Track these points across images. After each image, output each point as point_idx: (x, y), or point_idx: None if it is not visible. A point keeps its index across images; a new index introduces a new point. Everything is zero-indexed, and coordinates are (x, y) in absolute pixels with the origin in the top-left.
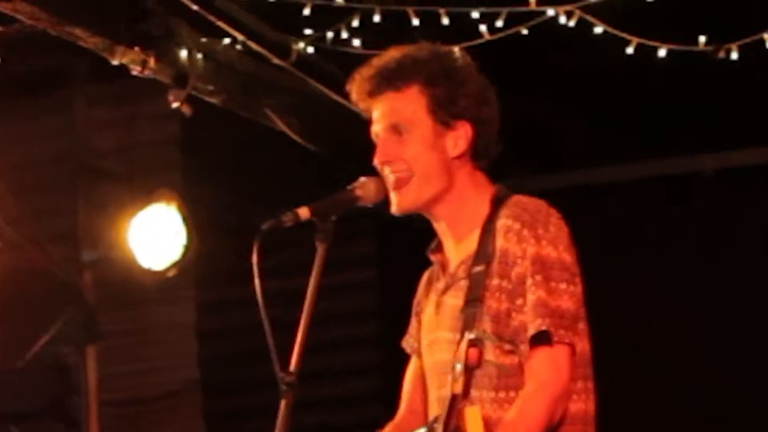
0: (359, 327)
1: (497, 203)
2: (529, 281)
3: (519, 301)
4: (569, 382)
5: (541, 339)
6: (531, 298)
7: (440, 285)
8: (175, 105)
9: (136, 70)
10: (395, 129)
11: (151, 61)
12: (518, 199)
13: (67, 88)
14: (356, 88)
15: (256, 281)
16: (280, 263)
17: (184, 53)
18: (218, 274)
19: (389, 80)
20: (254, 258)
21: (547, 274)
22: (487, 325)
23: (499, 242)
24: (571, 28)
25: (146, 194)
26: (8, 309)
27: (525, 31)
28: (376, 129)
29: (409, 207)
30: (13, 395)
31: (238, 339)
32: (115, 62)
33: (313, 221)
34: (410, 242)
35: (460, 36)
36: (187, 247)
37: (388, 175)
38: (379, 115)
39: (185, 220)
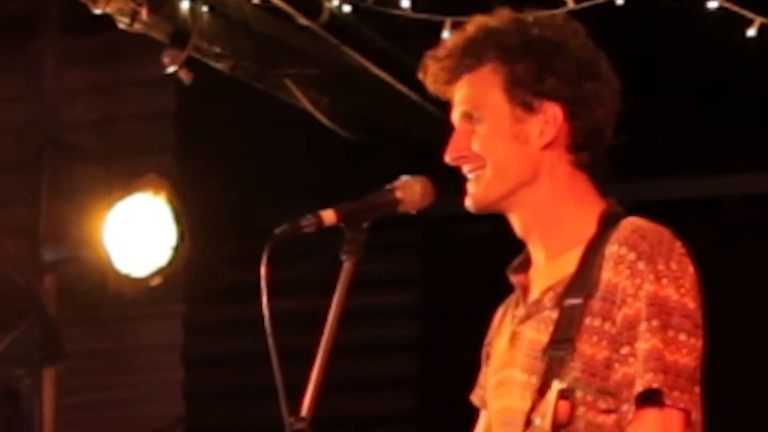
0: (394, 363)
1: (607, 223)
2: (643, 326)
3: (625, 350)
4: None
5: (651, 399)
6: (643, 347)
7: (520, 312)
8: (171, 69)
9: (123, 23)
10: (468, 117)
11: (144, 13)
12: (635, 222)
13: (33, 42)
14: (431, 76)
15: (264, 299)
16: (294, 278)
17: (185, 4)
18: (214, 287)
19: (462, 60)
20: (262, 270)
21: (666, 321)
22: (576, 374)
23: (607, 274)
24: (678, 1)
25: (128, 180)
26: None
27: (620, 1)
28: (453, 118)
29: (481, 204)
30: None
31: (235, 369)
32: (96, 11)
33: (341, 228)
34: (461, 260)
35: (537, 3)
36: (176, 250)
37: (465, 172)
38: (455, 102)
39: (176, 215)
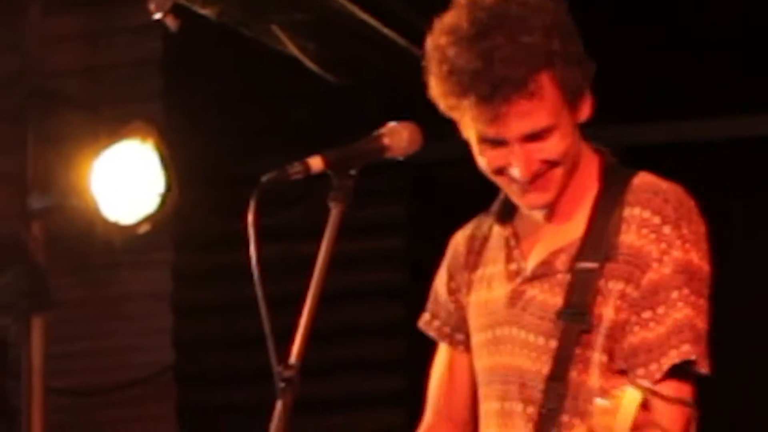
0: (382, 309)
1: (610, 178)
2: (674, 294)
3: (646, 314)
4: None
5: (686, 370)
6: (677, 316)
7: (513, 267)
8: (156, 16)
9: None
10: (534, 136)
11: None
12: (652, 182)
13: None
14: (459, 88)
15: (252, 248)
16: (284, 223)
17: None
18: (203, 234)
19: (514, 84)
20: (250, 218)
21: (693, 287)
22: (600, 339)
23: (629, 237)
24: None
25: (115, 127)
26: None
27: None
28: (503, 135)
29: (551, 203)
30: None
31: (225, 316)
32: None
33: (328, 175)
34: (449, 204)
35: None
36: (165, 197)
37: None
38: (508, 120)
39: (164, 162)
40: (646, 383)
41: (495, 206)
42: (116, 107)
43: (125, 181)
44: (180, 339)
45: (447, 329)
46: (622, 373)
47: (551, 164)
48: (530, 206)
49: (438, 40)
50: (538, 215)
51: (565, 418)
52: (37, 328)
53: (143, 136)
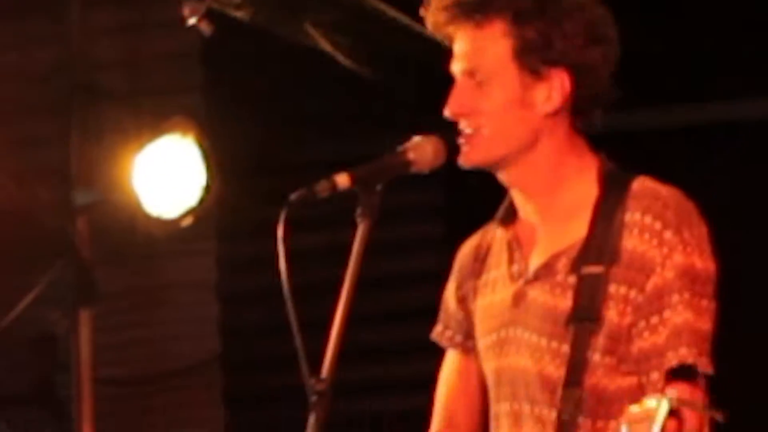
0: (420, 295)
1: (610, 184)
2: (675, 298)
3: (654, 320)
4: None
5: (685, 374)
6: (676, 320)
7: (515, 269)
8: (191, 21)
9: None
10: (471, 74)
11: None
12: (651, 188)
13: None
14: (431, 16)
15: (281, 262)
16: (330, 212)
17: None
18: (246, 222)
19: (468, 13)
20: (279, 233)
21: (695, 290)
22: (601, 341)
23: (631, 242)
24: None
25: (156, 121)
26: None
27: None
28: (453, 69)
29: (476, 163)
30: None
31: (270, 303)
32: None
33: (354, 191)
34: (487, 192)
35: None
36: (206, 190)
37: (462, 128)
38: (457, 53)
39: (205, 155)
40: (675, 393)
41: (499, 213)
42: (157, 99)
43: (167, 175)
44: (226, 327)
45: (459, 338)
46: (630, 374)
47: (479, 119)
48: (460, 158)
49: None
50: (536, 218)
51: (584, 422)
52: (84, 321)
53: (184, 131)
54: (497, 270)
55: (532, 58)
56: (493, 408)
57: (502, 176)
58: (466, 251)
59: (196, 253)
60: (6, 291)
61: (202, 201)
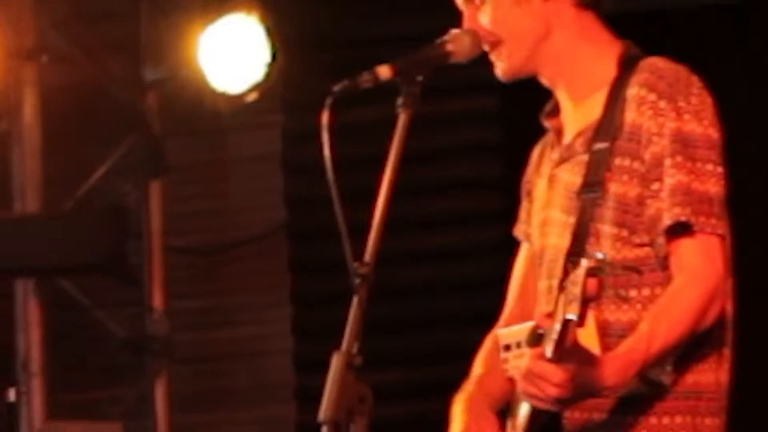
0: (478, 200)
1: (627, 65)
2: (668, 162)
3: (655, 186)
4: (726, 277)
5: (680, 231)
6: (669, 182)
7: (555, 155)
8: None
9: None
10: (470, 1)
11: None
12: (652, 62)
13: None
14: None
15: (326, 151)
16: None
17: None
18: (311, 95)
19: None
20: (324, 122)
21: (690, 154)
22: (609, 213)
23: (630, 116)
24: None
25: (221, 1)
26: (54, 137)
27: None
28: (458, 4)
29: (510, 74)
30: (61, 244)
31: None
32: None
33: (396, 82)
34: (543, 96)
35: None
36: (271, 67)
37: (487, 50)
38: None
39: (269, 32)
40: (600, 255)
41: (547, 107)
42: None
43: (232, 52)
44: (291, 197)
45: (528, 228)
46: (643, 245)
47: (493, 36)
48: (498, 76)
49: None
50: (568, 102)
51: None
52: (155, 192)
53: (248, 9)
54: (549, 160)
55: None
56: (537, 285)
57: (542, 79)
58: (535, 150)
59: (261, 126)
60: (80, 163)
61: (267, 76)
